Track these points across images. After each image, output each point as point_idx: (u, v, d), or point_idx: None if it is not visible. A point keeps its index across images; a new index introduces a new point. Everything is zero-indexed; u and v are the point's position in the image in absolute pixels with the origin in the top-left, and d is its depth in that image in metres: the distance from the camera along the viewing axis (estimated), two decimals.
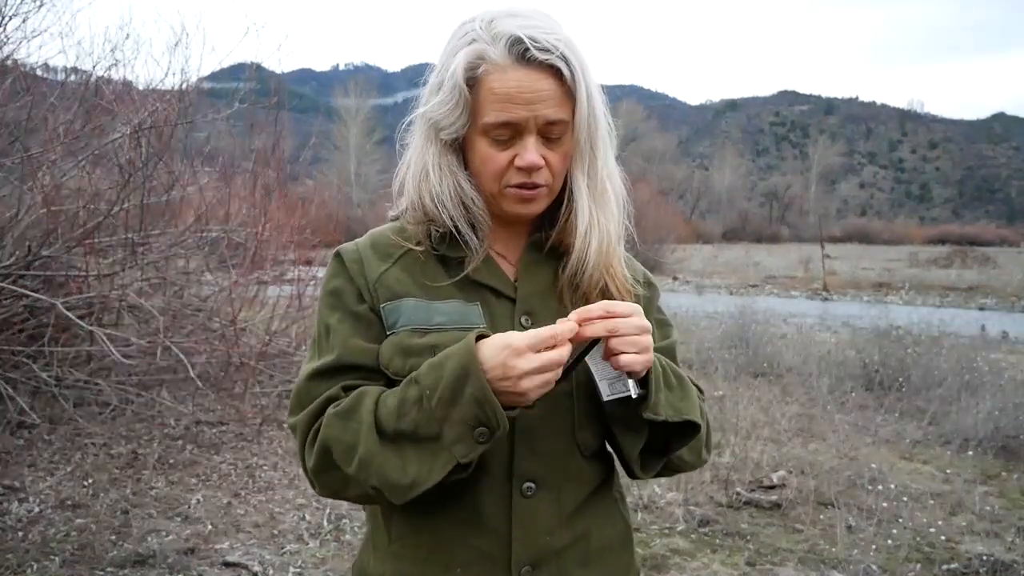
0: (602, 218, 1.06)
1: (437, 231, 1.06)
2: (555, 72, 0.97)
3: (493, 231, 1.08)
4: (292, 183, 8.67)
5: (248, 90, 6.21)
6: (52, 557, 3.16)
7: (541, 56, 0.96)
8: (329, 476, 0.99)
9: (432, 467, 0.93)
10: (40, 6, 5.30)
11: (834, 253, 29.33)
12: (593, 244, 1.05)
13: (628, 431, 1.05)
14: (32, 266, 4.83)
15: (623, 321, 0.94)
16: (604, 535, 1.11)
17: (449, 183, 1.04)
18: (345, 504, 3.66)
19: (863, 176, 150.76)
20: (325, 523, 3.67)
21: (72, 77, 6.26)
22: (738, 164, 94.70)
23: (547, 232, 1.09)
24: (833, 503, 3.92)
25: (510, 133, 1.00)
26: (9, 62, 5.32)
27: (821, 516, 3.85)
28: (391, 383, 1.01)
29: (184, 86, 5.64)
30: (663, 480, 4.20)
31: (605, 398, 0.98)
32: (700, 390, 1.15)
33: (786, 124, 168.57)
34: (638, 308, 0.97)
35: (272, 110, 6.47)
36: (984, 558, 3.39)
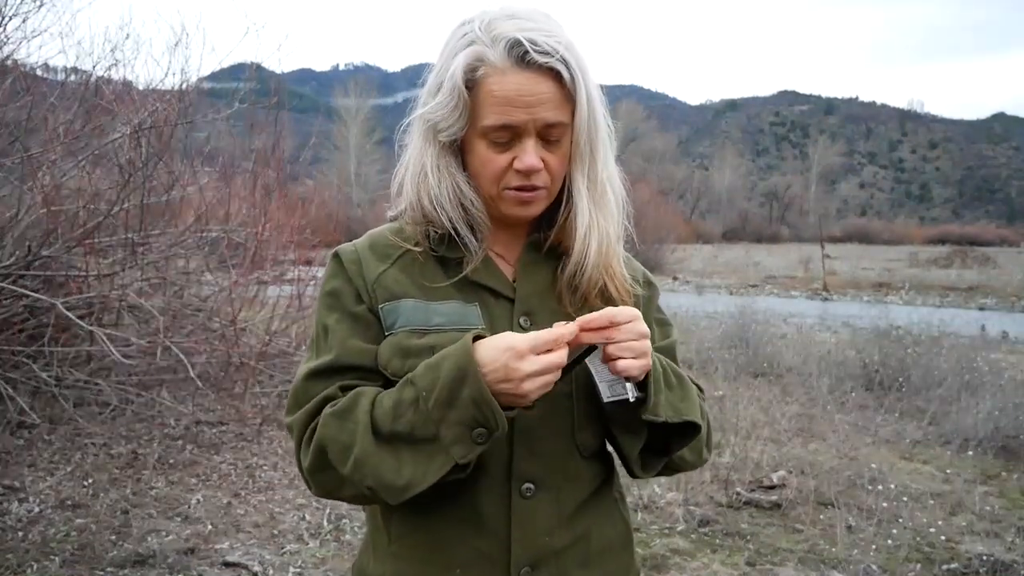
0: (601, 220, 1.06)
1: (436, 232, 1.06)
2: (555, 75, 0.97)
3: (492, 232, 1.08)
4: (292, 183, 8.67)
5: (248, 90, 6.21)
6: (52, 557, 3.16)
7: (541, 59, 0.95)
8: (325, 476, 0.99)
9: (428, 468, 0.93)
10: (40, 6, 5.31)
11: (834, 253, 29.32)
12: (593, 245, 1.05)
13: (628, 432, 1.05)
14: (32, 266, 4.83)
15: (621, 329, 0.94)
16: (604, 535, 1.11)
17: (448, 184, 1.04)
18: (345, 504, 3.65)
19: (863, 176, 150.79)
20: (325, 523, 3.67)
21: (72, 77, 6.26)
22: (738, 164, 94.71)
23: (546, 232, 1.09)
24: (833, 503, 3.92)
25: (509, 136, 0.99)
26: (9, 62, 5.32)
27: (821, 516, 3.85)
28: (389, 383, 1.01)
29: (184, 86, 5.64)
30: (663, 480, 4.20)
31: (605, 400, 0.98)
32: (700, 389, 1.15)
33: (786, 124, 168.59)
34: (637, 313, 0.97)
35: (272, 110, 6.47)
36: (984, 558, 3.39)
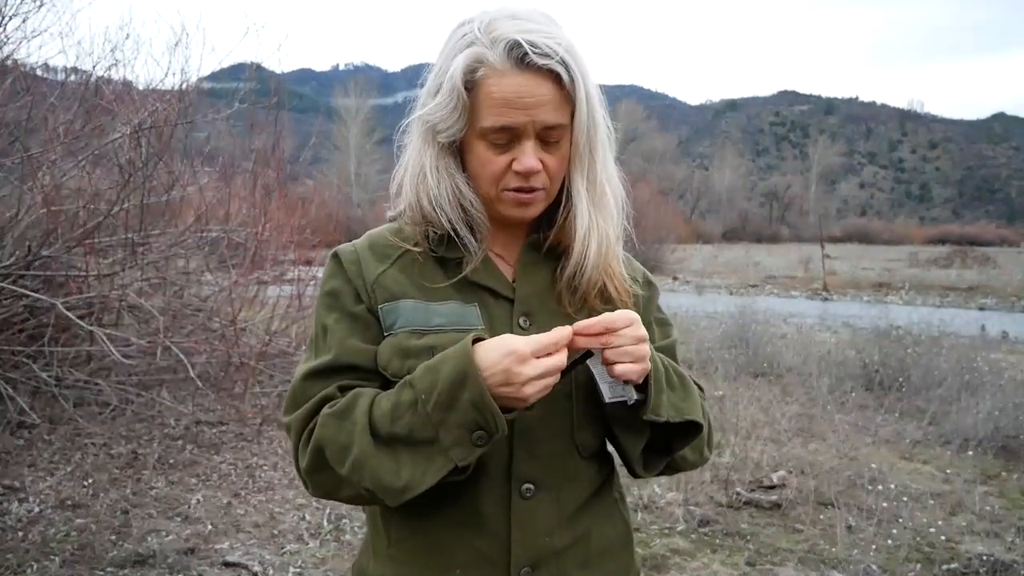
0: (601, 221, 1.06)
1: (435, 232, 1.06)
2: (554, 77, 0.97)
3: (491, 232, 1.08)
4: (292, 183, 8.67)
5: (248, 90, 6.21)
6: (52, 557, 3.16)
7: (540, 61, 0.95)
8: (322, 476, 0.99)
9: (427, 470, 0.93)
10: (40, 6, 5.31)
11: (834, 253, 29.33)
12: (592, 247, 1.05)
13: (630, 432, 1.05)
14: (32, 266, 4.83)
15: (617, 334, 0.94)
16: (604, 536, 1.11)
17: (447, 185, 1.04)
18: (345, 504, 3.66)
19: (863, 176, 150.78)
20: (325, 523, 3.67)
21: (72, 77, 6.27)
22: (738, 164, 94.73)
23: (545, 233, 1.09)
24: (833, 503, 3.92)
25: (508, 137, 0.99)
26: (9, 62, 5.32)
27: (821, 516, 3.85)
28: (388, 384, 1.01)
29: (184, 86, 5.64)
30: (663, 480, 4.20)
31: (607, 400, 0.98)
32: (701, 388, 1.15)
33: (786, 124, 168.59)
34: (635, 317, 0.97)
35: (272, 110, 6.47)
36: (984, 558, 3.39)
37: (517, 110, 0.97)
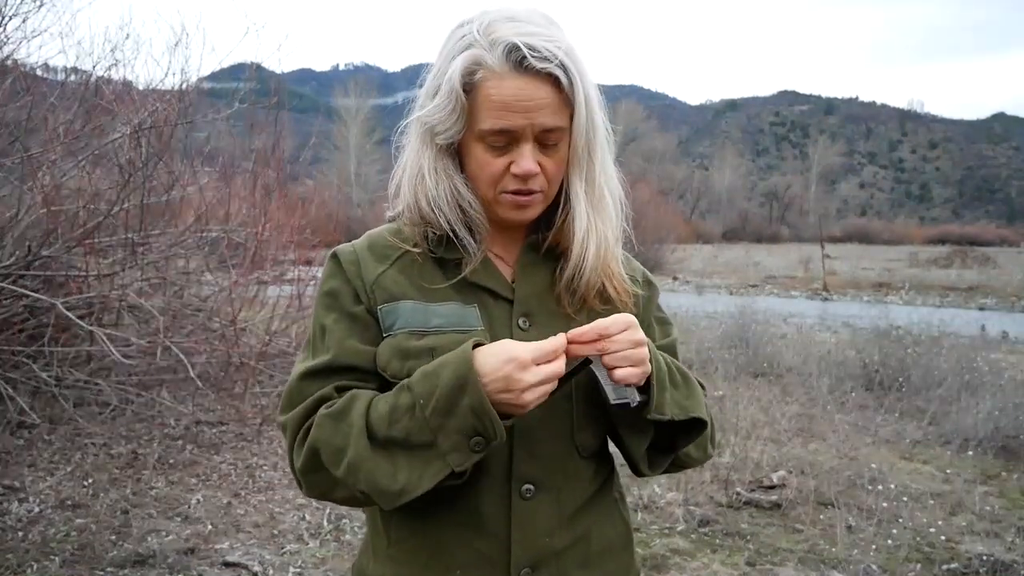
0: (600, 223, 1.06)
1: (434, 233, 1.06)
2: (553, 80, 0.96)
3: (490, 233, 1.08)
4: (292, 183, 8.68)
5: (248, 90, 6.21)
6: (52, 557, 3.16)
7: (539, 65, 0.95)
8: (317, 477, 0.99)
9: (423, 474, 0.93)
10: (40, 6, 5.31)
11: (834, 253, 29.32)
12: (591, 249, 1.05)
13: (635, 431, 1.05)
14: (32, 266, 4.83)
15: (614, 340, 0.94)
16: (604, 536, 1.11)
17: (445, 187, 1.04)
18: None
19: (863, 176, 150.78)
20: (325, 523, 3.67)
21: (72, 77, 6.27)
22: (738, 164, 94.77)
23: (544, 233, 1.09)
24: (833, 503, 3.92)
25: (506, 140, 0.99)
26: (9, 62, 5.32)
27: (821, 516, 3.85)
28: (387, 385, 1.01)
29: (184, 86, 5.64)
30: (663, 480, 4.20)
31: (612, 402, 0.99)
32: (702, 386, 1.16)
33: (786, 124, 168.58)
34: (632, 321, 0.97)
35: (272, 110, 6.47)
36: (984, 558, 3.39)
37: (515, 113, 0.96)
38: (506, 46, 0.95)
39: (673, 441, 1.08)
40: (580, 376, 1.00)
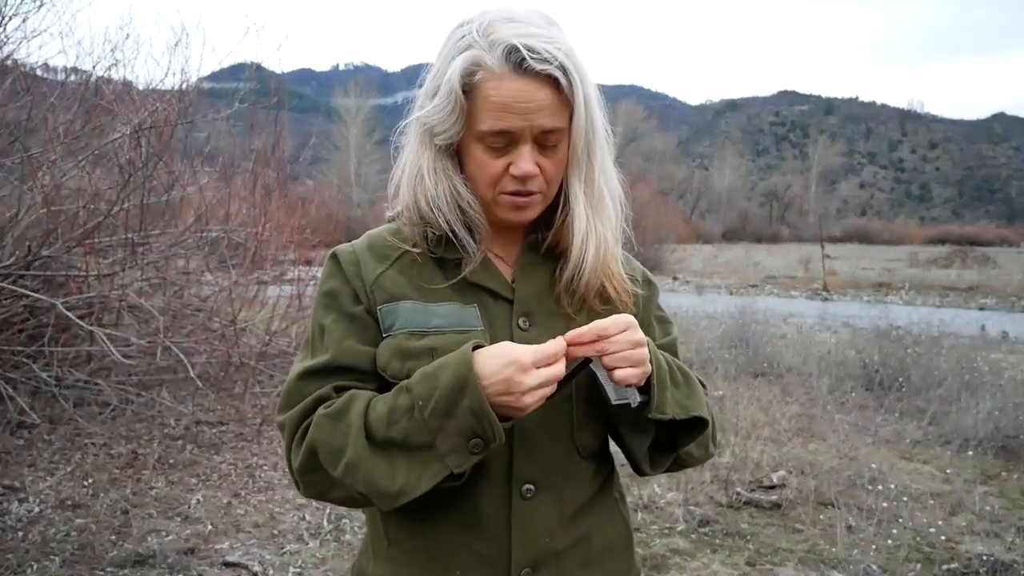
0: (599, 225, 1.06)
1: (434, 233, 1.06)
2: (552, 81, 0.96)
3: (490, 233, 1.08)
4: (292, 183, 8.68)
5: (248, 90, 6.22)
6: (52, 557, 3.16)
7: (538, 67, 0.95)
8: (315, 477, 0.99)
9: (422, 475, 0.93)
10: (40, 6, 5.31)
11: (834, 253, 29.32)
12: (590, 251, 1.05)
13: (636, 431, 1.05)
14: (32, 266, 4.83)
15: (613, 341, 0.94)
16: (605, 536, 1.11)
17: (445, 187, 1.04)
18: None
19: (863, 176, 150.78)
20: (325, 523, 3.67)
21: (72, 77, 6.27)
22: (738, 164, 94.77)
23: (543, 233, 1.09)
24: (833, 503, 3.92)
25: (505, 141, 0.99)
26: (9, 62, 5.32)
27: (821, 516, 3.85)
28: (387, 386, 1.00)
29: (184, 86, 5.64)
30: (663, 480, 4.20)
31: (613, 402, 0.99)
32: (703, 385, 1.16)
33: (786, 124, 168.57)
34: (631, 322, 0.97)
35: (272, 110, 6.47)
36: (984, 558, 3.39)
37: (514, 115, 0.96)
38: (505, 47, 0.95)
39: (675, 440, 1.08)
40: (581, 376, 1.00)
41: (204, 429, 5.00)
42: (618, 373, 0.95)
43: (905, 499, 4.13)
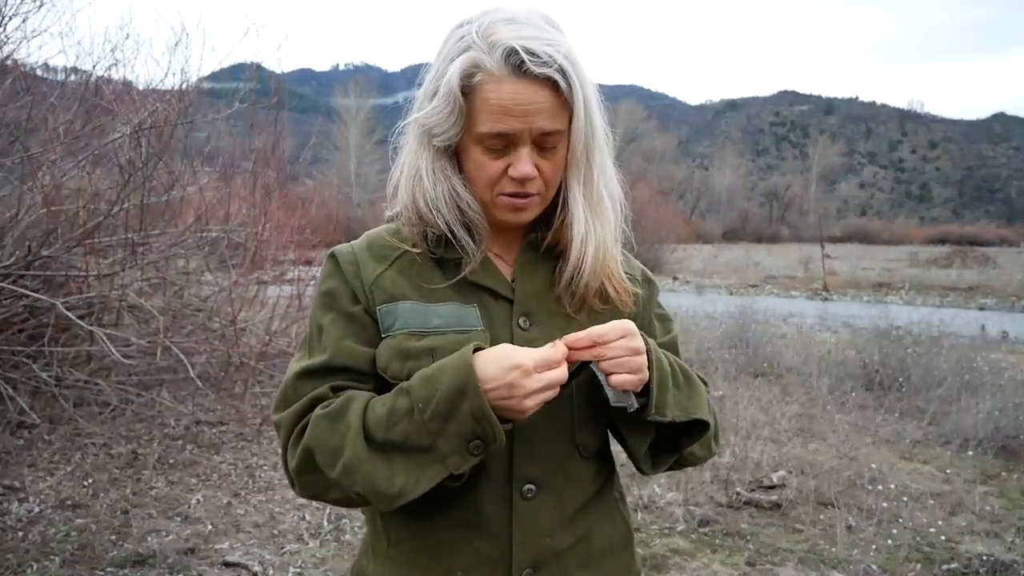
0: (598, 226, 1.06)
1: (433, 233, 1.06)
2: (551, 84, 0.96)
3: (489, 233, 1.08)
4: (292, 183, 8.68)
5: (248, 90, 6.22)
6: (52, 557, 3.16)
7: (537, 69, 0.94)
8: (311, 478, 0.99)
9: (421, 477, 0.93)
10: (40, 6, 5.31)
11: (834, 253, 29.32)
12: (589, 252, 1.05)
13: (636, 431, 1.05)
14: (32, 266, 4.83)
15: (610, 347, 0.94)
16: (605, 536, 1.11)
17: (444, 188, 1.04)
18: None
19: (863, 176, 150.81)
20: (325, 523, 3.67)
21: (72, 77, 6.27)
22: (738, 164, 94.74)
23: (543, 232, 1.09)
24: (833, 503, 3.92)
25: (504, 143, 0.99)
26: (9, 62, 5.32)
27: (821, 516, 3.85)
28: (386, 386, 1.00)
29: (184, 86, 5.65)
30: (663, 480, 4.20)
31: (613, 404, 0.99)
32: (705, 383, 1.16)
33: (786, 124, 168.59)
34: (631, 328, 0.97)
35: (272, 110, 6.47)
36: (984, 558, 3.39)
37: (513, 117, 0.96)
38: (505, 50, 0.95)
39: (676, 441, 1.08)
40: (582, 376, 1.00)
41: (204, 429, 5.00)
42: (614, 379, 0.95)
43: (905, 499, 4.13)
